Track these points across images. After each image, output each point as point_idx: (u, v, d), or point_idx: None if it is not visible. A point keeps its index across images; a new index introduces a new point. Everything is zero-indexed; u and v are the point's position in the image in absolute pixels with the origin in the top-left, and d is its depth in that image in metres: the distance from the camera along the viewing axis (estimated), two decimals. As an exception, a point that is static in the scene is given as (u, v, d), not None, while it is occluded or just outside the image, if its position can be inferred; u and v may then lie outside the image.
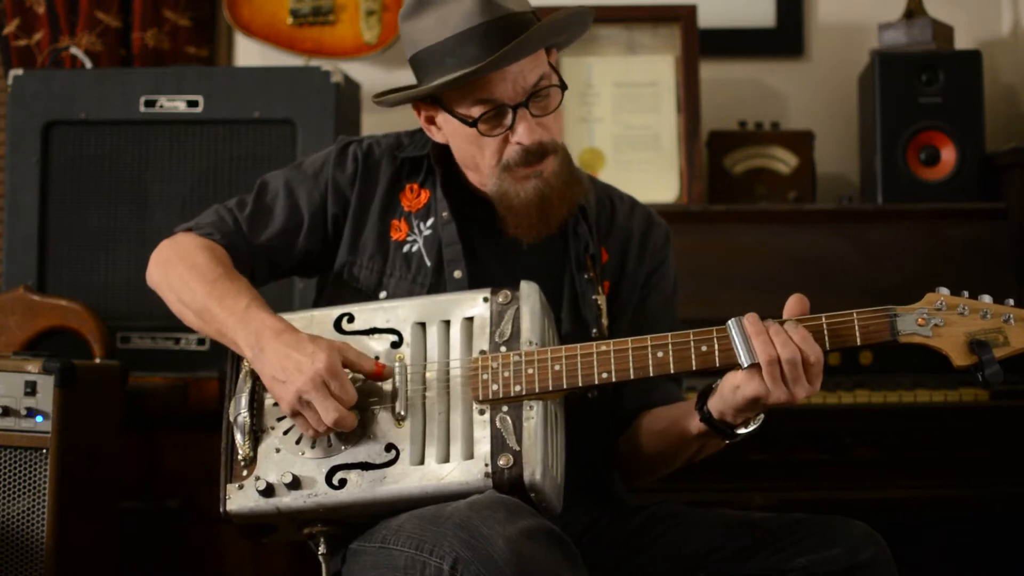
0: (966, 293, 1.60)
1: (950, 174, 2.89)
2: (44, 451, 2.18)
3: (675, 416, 1.79)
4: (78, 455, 2.23)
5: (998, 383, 1.56)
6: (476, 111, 1.75)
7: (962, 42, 3.15)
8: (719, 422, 1.67)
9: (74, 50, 3.09)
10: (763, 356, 1.56)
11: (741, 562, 1.67)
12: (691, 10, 3.07)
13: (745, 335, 1.58)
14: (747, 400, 1.60)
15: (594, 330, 1.84)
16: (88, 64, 3.01)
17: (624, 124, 3.02)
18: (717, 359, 1.62)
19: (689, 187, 2.97)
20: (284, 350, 1.63)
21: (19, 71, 2.82)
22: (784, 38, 3.30)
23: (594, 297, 1.86)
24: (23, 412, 2.19)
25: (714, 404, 1.66)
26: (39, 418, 2.19)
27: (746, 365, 1.58)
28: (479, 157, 1.79)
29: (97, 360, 2.54)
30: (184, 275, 1.77)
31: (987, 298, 1.59)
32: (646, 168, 3.04)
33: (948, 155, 2.90)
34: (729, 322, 1.60)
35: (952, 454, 2.57)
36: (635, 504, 1.88)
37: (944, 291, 1.60)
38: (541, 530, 1.47)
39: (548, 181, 1.78)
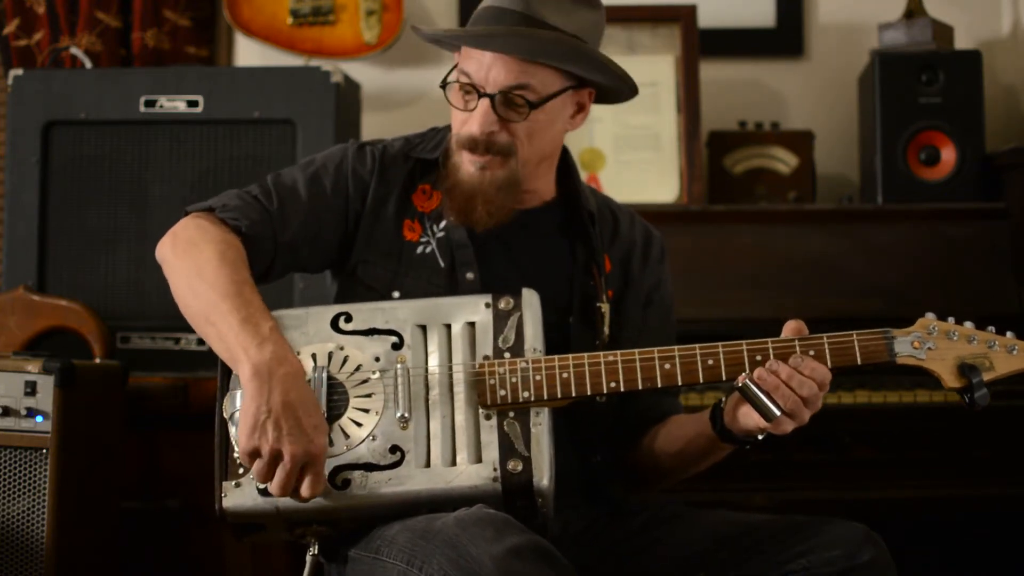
0: (952, 319, 1.68)
1: (950, 174, 2.89)
2: (44, 451, 2.18)
3: (688, 437, 1.82)
4: (78, 455, 2.23)
5: (984, 405, 1.64)
6: (456, 77, 1.79)
7: (962, 42, 3.14)
8: (743, 440, 1.71)
9: (74, 50, 3.08)
10: (789, 406, 1.61)
11: (741, 563, 1.67)
12: (691, 10, 3.07)
13: (763, 391, 1.61)
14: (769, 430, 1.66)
15: (598, 339, 1.85)
16: (88, 64, 3.00)
17: (624, 124, 3.02)
18: (723, 372, 1.66)
19: (689, 187, 2.97)
20: (292, 402, 1.57)
21: (19, 71, 2.81)
22: (784, 38, 3.30)
23: (598, 304, 1.87)
24: (23, 412, 2.19)
25: (737, 428, 1.69)
26: (39, 418, 2.19)
27: (775, 418, 1.61)
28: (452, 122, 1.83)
29: (97, 360, 2.54)
30: (208, 264, 1.68)
31: (970, 324, 1.68)
32: (646, 168, 3.03)
33: (948, 155, 2.90)
34: (741, 384, 1.62)
35: (952, 454, 2.57)
36: (635, 505, 1.88)
37: (931, 315, 1.68)
38: (529, 547, 1.47)
39: (484, 177, 1.78)
